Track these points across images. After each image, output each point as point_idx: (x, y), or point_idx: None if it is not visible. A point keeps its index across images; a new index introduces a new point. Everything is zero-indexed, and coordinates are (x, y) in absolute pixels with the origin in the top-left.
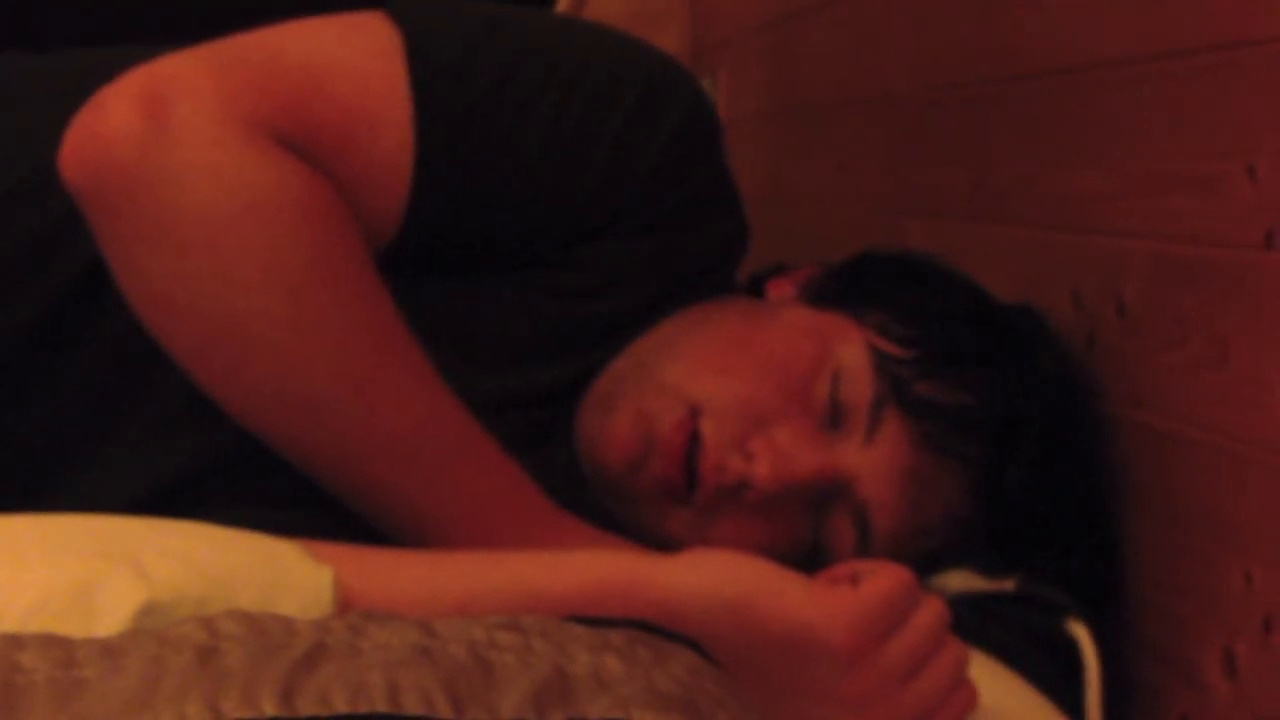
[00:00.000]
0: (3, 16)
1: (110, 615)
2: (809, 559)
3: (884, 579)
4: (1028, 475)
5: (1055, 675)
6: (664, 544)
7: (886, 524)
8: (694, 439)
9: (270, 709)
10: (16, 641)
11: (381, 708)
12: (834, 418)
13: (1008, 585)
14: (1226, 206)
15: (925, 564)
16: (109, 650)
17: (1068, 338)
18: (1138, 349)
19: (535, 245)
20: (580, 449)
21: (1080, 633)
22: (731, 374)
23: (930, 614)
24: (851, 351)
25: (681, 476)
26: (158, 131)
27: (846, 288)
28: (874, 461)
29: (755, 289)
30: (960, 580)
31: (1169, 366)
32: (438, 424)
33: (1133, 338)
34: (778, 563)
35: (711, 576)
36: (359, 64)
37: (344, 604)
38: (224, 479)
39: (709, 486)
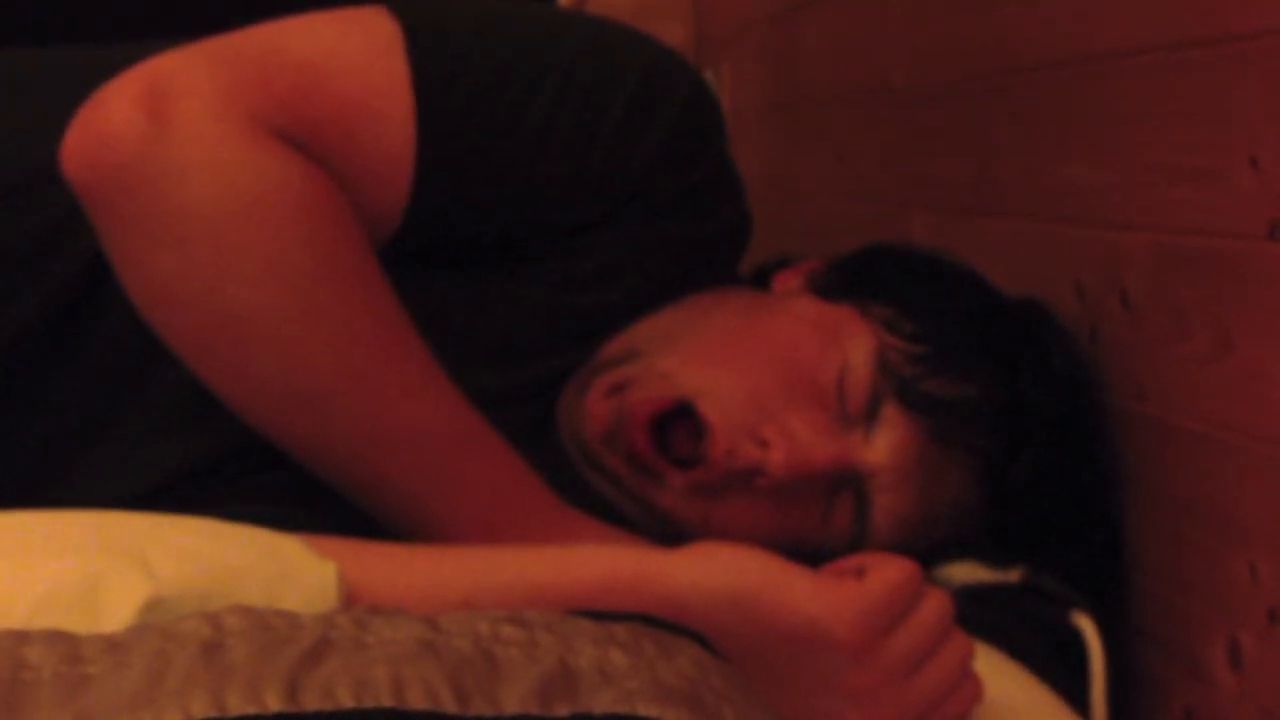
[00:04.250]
0: (3, 15)
1: (115, 611)
2: (815, 547)
3: (889, 572)
4: (1034, 468)
5: (1060, 668)
6: (665, 528)
7: (894, 515)
8: (689, 417)
9: (275, 704)
10: (23, 637)
11: (386, 702)
12: (843, 409)
13: (1013, 578)
14: (1229, 198)
15: (931, 556)
16: (114, 646)
17: (1071, 330)
18: (1141, 341)
19: (537, 236)
20: (562, 428)
21: (1085, 625)
22: (732, 366)
23: (935, 607)
24: (859, 345)
25: (649, 447)
26: (159, 128)
27: (853, 281)
28: (883, 453)
29: (760, 281)
30: (965, 572)
31: (1172, 358)
32: (442, 417)
33: (1136, 330)
34: (783, 550)
35: (717, 570)
36: (359, 59)
37: (348, 599)
38: (227, 474)
39: (718, 470)
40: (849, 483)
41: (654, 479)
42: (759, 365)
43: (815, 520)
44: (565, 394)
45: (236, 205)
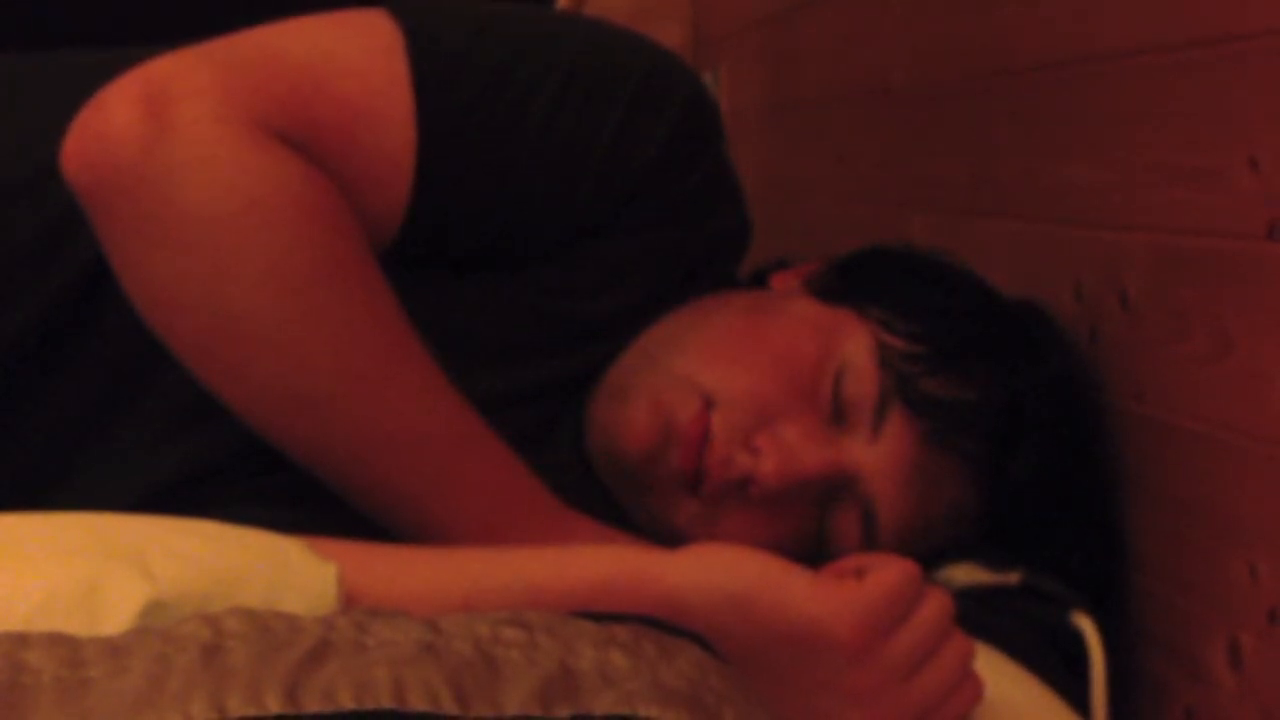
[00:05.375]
0: (3, 16)
1: (115, 614)
2: (814, 553)
3: (889, 573)
4: (1033, 470)
5: (1060, 669)
6: (671, 535)
7: (892, 519)
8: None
9: (275, 706)
10: (23, 640)
11: (387, 704)
12: (839, 413)
13: (1013, 579)
14: (1228, 198)
15: (930, 558)
16: (114, 649)
17: (1070, 331)
18: (1140, 342)
19: (537, 241)
20: (593, 440)
21: (1085, 626)
22: (742, 364)
23: (935, 608)
24: (857, 347)
25: (698, 466)
26: (159, 130)
27: (851, 283)
28: (879, 457)
29: (758, 282)
30: (965, 574)
31: (1172, 359)
32: (442, 420)
33: (1135, 330)
34: (783, 556)
35: (716, 571)
36: (360, 61)
37: (348, 601)
38: (227, 476)
39: (715, 479)
40: (844, 487)
41: (690, 492)
42: (760, 365)
43: (812, 527)
44: (590, 404)
45: (235, 207)
